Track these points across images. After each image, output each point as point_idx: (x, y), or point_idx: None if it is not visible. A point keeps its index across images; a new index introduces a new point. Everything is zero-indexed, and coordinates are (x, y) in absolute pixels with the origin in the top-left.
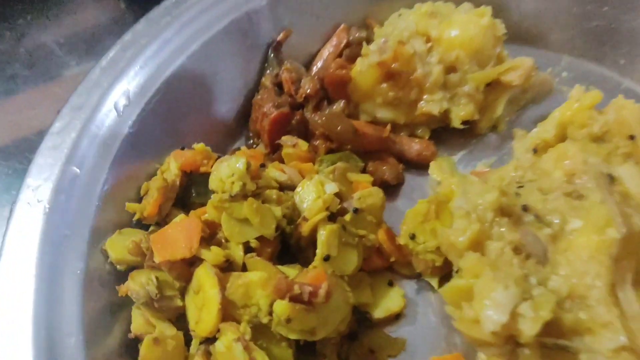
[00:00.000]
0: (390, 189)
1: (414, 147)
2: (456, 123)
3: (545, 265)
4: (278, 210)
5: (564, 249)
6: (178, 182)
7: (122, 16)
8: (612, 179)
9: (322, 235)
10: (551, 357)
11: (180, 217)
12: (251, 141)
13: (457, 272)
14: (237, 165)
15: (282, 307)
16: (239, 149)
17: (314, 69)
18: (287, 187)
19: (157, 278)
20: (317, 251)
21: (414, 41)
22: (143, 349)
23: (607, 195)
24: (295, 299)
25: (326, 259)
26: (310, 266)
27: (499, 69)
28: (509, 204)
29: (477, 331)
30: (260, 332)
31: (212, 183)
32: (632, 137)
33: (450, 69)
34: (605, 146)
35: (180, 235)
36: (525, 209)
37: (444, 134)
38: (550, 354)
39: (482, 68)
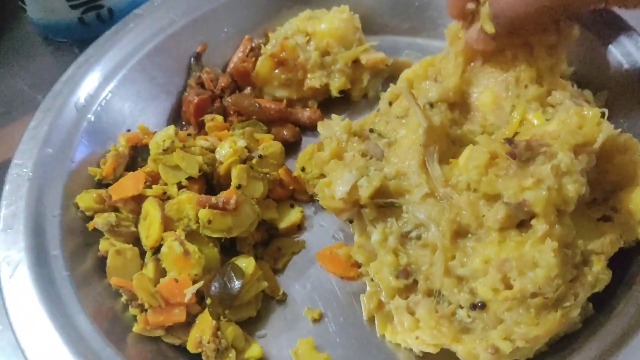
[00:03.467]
0: (292, 146)
1: (305, 114)
2: (334, 92)
3: (382, 160)
4: (200, 158)
5: (395, 148)
6: (127, 152)
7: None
8: (431, 104)
9: (234, 171)
10: (384, 212)
11: (129, 174)
12: (185, 129)
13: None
14: (168, 131)
15: (204, 213)
16: None
17: (227, 70)
18: (210, 151)
19: (115, 215)
20: (232, 182)
21: (296, 36)
22: (109, 259)
23: (416, 107)
24: (213, 207)
25: (238, 187)
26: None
27: (358, 50)
28: (360, 129)
29: (333, 202)
30: (193, 238)
31: (151, 146)
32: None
33: (324, 53)
34: None
35: (129, 182)
36: (371, 130)
37: (329, 103)
38: (383, 210)
39: (347, 50)
